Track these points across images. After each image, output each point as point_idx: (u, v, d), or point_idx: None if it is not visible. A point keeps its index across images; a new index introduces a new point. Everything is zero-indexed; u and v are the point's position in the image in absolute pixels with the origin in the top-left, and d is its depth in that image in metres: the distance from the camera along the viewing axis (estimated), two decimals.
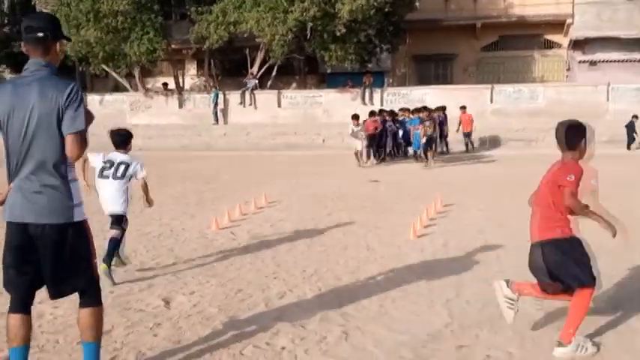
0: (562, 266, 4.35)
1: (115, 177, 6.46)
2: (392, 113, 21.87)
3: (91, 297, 3.78)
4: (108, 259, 6.21)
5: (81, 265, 3.71)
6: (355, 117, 19.31)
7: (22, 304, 3.69)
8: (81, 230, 3.69)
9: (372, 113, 20.53)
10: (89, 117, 3.65)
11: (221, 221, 9.31)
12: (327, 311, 5.31)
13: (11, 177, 3.63)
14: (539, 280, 4.53)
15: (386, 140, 20.82)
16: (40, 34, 3.61)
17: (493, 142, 25.02)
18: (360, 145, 18.99)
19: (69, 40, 4.09)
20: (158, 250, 7.73)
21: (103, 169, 6.50)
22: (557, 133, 4.64)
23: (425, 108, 20.92)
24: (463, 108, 23.87)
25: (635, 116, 23.60)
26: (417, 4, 29.68)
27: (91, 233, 3.80)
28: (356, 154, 18.86)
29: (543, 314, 5.18)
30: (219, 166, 18.06)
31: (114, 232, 6.44)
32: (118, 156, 6.56)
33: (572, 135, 4.58)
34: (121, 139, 6.65)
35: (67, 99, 3.49)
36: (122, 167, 6.48)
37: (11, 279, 3.68)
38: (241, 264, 7.02)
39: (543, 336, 4.69)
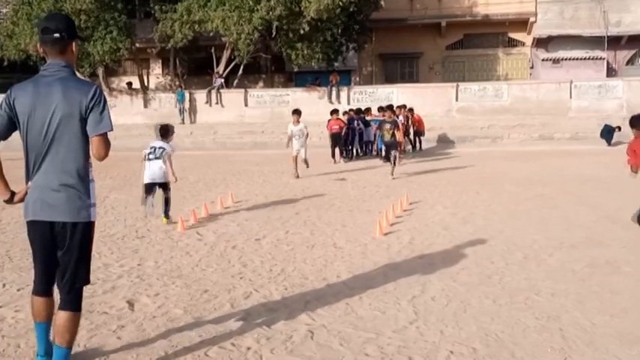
0: None
1: (156, 157, 9.26)
2: (358, 112, 21.93)
3: (75, 300, 3.85)
4: (167, 214, 9.44)
5: (84, 263, 3.85)
6: (296, 112, 15.73)
7: (46, 288, 3.89)
8: (90, 230, 3.84)
9: (333, 112, 20.40)
10: None
11: (187, 221, 9.24)
12: (293, 310, 5.31)
13: (30, 175, 3.72)
14: None
15: (352, 139, 20.90)
16: (57, 35, 3.68)
17: (459, 139, 25.23)
18: (297, 147, 15.36)
19: (83, 39, 4.19)
20: (123, 252, 7.63)
21: (149, 154, 9.32)
22: (632, 121, 8.47)
23: (390, 107, 18.80)
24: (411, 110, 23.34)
25: (619, 127, 22.93)
26: (382, 3, 29.78)
27: (93, 236, 3.95)
28: (295, 158, 15.40)
29: (506, 311, 5.24)
30: (185, 165, 17.86)
31: (167, 194, 9.44)
32: (158, 143, 9.40)
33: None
34: (162, 131, 9.51)
35: (91, 101, 3.60)
36: (159, 150, 9.29)
37: (37, 269, 3.87)
38: (207, 264, 6.98)
39: (507, 332, 4.74)
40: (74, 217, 3.70)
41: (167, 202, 9.45)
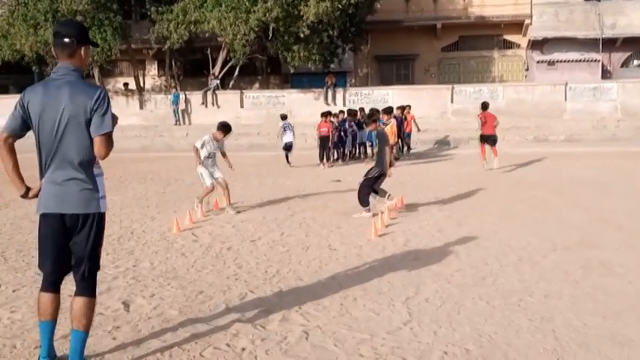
0: None
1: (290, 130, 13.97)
2: (350, 113, 21.59)
3: (90, 287, 4.06)
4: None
5: (96, 252, 4.05)
6: (223, 128, 10.95)
7: (54, 284, 4.03)
8: (102, 221, 4.05)
9: (324, 114, 19.94)
10: (114, 119, 3.96)
11: (182, 223, 9.27)
12: (288, 311, 5.33)
13: (43, 172, 3.93)
14: None
15: (344, 142, 20.65)
16: (67, 40, 3.89)
17: (454, 141, 25.29)
18: (210, 179, 10.52)
19: (96, 45, 4.45)
20: (118, 253, 7.65)
21: (285, 127, 14.63)
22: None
23: (386, 111, 17.90)
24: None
25: None
26: (378, 5, 29.84)
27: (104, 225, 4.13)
28: (211, 190, 10.60)
29: (499, 312, 5.28)
30: (181, 167, 17.89)
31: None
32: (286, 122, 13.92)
33: None
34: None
35: (95, 103, 3.80)
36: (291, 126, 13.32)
37: (47, 263, 3.99)
38: (202, 266, 7.00)
39: (500, 333, 4.77)
40: (85, 208, 3.91)
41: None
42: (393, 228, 9.04)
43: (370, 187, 10.01)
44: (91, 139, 3.84)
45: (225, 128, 11.01)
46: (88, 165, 3.91)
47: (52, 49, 4.02)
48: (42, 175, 3.94)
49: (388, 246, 7.89)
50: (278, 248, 7.87)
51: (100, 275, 6.48)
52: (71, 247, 3.98)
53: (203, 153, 10.60)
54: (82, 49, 3.94)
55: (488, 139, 17.39)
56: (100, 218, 4.02)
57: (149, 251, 7.78)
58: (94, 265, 4.07)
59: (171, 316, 5.25)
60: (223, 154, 11.10)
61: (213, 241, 8.35)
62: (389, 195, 10.16)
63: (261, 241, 8.30)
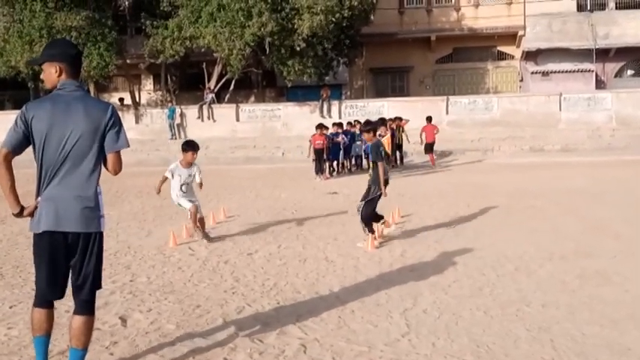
0: None
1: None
2: (340, 125, 21.16)
3: (90, 306, 4.05)
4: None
5: (98, 271, 4.03)
6: (188, 146, 9.58)
7: (49, 301, 4.02)
8: (101, 240, 4.05)
9: (318, 127, 19.68)
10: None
11: (179, 237, 9.25)
12: (285, 325, 5.32)
13: (40, 190, 3.88)
14: None
15: (336, 154, 20.42)
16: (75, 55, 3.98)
17: (449, 152, 25.34)
18: (187, 201, 9.32)
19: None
20: (115, 268, 7.63)
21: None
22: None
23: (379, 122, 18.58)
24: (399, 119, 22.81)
25: None
26: (372, 17, 29.97)
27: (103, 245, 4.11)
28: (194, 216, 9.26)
29: (497, 322, 5.28)
30: None
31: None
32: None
33: None
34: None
35: (110, 119, 3.87)
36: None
37: (45, 282, 3.94)
38: (199, 280, 6.98)
39: (498, 343, 4.77)
40: (86, 227, 3.89)
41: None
42: (389, 239, 9.04)
43: (374, 209, 9.00)
44: (100, 155, 3.88)
45: (189, 146, 9.42)
46: (93, 183, 3.91)
47: (46, 67, 3.94)
48: (39, 191, 3.88)
49: (385, 257, 7.89)
50: (275, 261, 7.86)
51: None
52: (72, 267, 3.95)
53: (175, 182, 9.29)
54: (80, 65, 4.07)
55: (432, 146, 21.91)
56: (101, 237, 4.02)
57: (146, 266, 7.76)
58: (96, 284, 4.05)
59: (169, 330, 5.24)
60: (200, 185, 9.51)
61: (210, 254, 8.34)
62: (383, 220, 9.37)
63: (257, 254, 8.30)
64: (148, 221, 11.30)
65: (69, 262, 3.93)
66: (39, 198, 3.88)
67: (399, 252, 8.18)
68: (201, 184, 9.52)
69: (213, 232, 10.02)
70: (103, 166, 4.01)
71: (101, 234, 4.01)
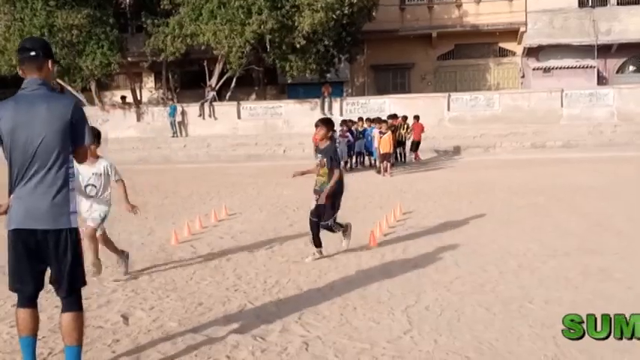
0: None
1: None
2: (344, 123, 20.82)
3: (76, 302, 4.03)
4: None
5: (76, 270, 3.99)
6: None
7: (31, 300, 4.02)
8: (76, 236, 3.99)
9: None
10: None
11: (181, 235, 9.25)
12: (288, 322, 5.32)
13: (13, 188, 3.92)
14: None
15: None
16: (33, 53, 3.93)
17: (451, 149, 25.31)
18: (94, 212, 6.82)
19: (57, 62, 4.42)
20: (117, 266, 7.61)
21: None
22: None
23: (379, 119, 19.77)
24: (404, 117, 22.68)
25: None
26: (374, 14, 29.91)
27: (80, 240, 4.08)
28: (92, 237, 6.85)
29: (500, 319, 5.27)
30: (178, 178, 17.91)
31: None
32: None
33: None
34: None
35: (72, 115, 3.87)
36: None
37: (20, 281, 3.96)
38: (201, 277, 6.98)
39: (501, 340, 4.76)
40: (54, 224, 3.87)
41: None
42: (392, 236, 9.04)
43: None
44: (67, 151, 3.89)
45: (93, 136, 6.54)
46: (62, 179, 3.89)
47: (19, 65, 4.02)
48: (11, 190, 3.92)
49: (387, 254, 7.88)
50: (277, 258, 7.85)
51: (98, 288, 6.53)
52: (50, 265, 3.96)
53: (78, 183, 6.29)
54: (49, 62, 3.97)
55: (418, 145, 22.53)
56: (74, 234, 3.97)
57: (148, 263, 7.76)
58: (77, 282, 4.03)
59: (171, 328, 5.23)
60: (121, 187, 6.95)
61: (212, 252, 8.33)
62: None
63: (259, 251, 8.29)
64: (149, 219, 11.29)
65: (42, 260, 3.93)
66: (12, 196, 3.91)
67: (401, 249, 8.18)
68: (121, 186, 6.94)
69: (215, 229, 10.00)
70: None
71: (74, 230, 3.97)
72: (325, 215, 7.72)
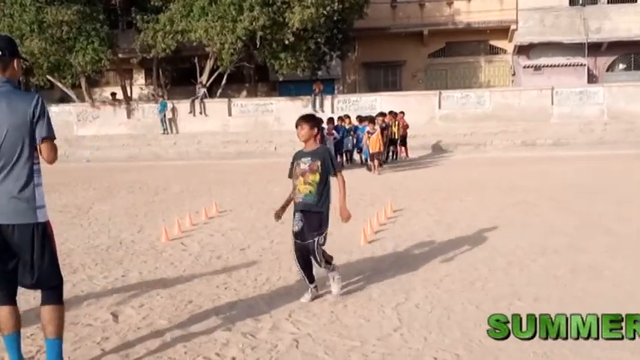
0: None
1: None
2: (331, 120, 20.58)
3: (55, 295, 4.06)
4: None
5: (49, 266, 3.99)
6: None
7: (8, 297, 4.01)
8: (46, 231, 3.97)
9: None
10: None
11: (171, 232, 9.23)
12: (278, 319, 5.32)
13: None
14: None
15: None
16: None
17: (442, 147, 25.37)
18: None
19: (25, 60, 4.33)
20: (107, 264, 7.60)
21: None
22: None
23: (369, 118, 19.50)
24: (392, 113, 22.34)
25: None
26: (367, 10, 29.91)
27: (53, 234, 4.06)
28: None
29: (488, 317, 5.28)
30: (169, 175, 17.86)
31: None
32: None
33: None
34: None
35: (35, 109, 3.86)
36: None
37: None
38: (192, 275, 6.97)
39: (491, 338, 4.77)
40: (19, 219, 3.86)
41: None
42: (382, 234, 9.05)
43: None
44: (31, 147, 3.89)
45: None
46: (26, 175, 3.89)
47: None
48: None
49: (378, 252, 7.90)
50: (267, 256, 7.85)
51: (88, 286, 6.51)
52: (22, 262, 3.95)
53: None
54: (15, 61, 3.98)
55: (405, 140, 22.61)
56: (44, 228, 3.97)
57: (138, 261, 7.74)
58: (53, 279, 4.04)
59: (161, 326, 5.22)
60: None
61: (203, 249, 8.32)
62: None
63: (250, 249, 8.29)
64: (139, 216, 11.26)
65: (12, 256, 3.92)
66: None
67: (392, 247, 8.19)
68: None
69: (206, 227, 9.99)
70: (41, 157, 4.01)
71: (44, 225, 3.96)
72: (312, 232, 5.90)
